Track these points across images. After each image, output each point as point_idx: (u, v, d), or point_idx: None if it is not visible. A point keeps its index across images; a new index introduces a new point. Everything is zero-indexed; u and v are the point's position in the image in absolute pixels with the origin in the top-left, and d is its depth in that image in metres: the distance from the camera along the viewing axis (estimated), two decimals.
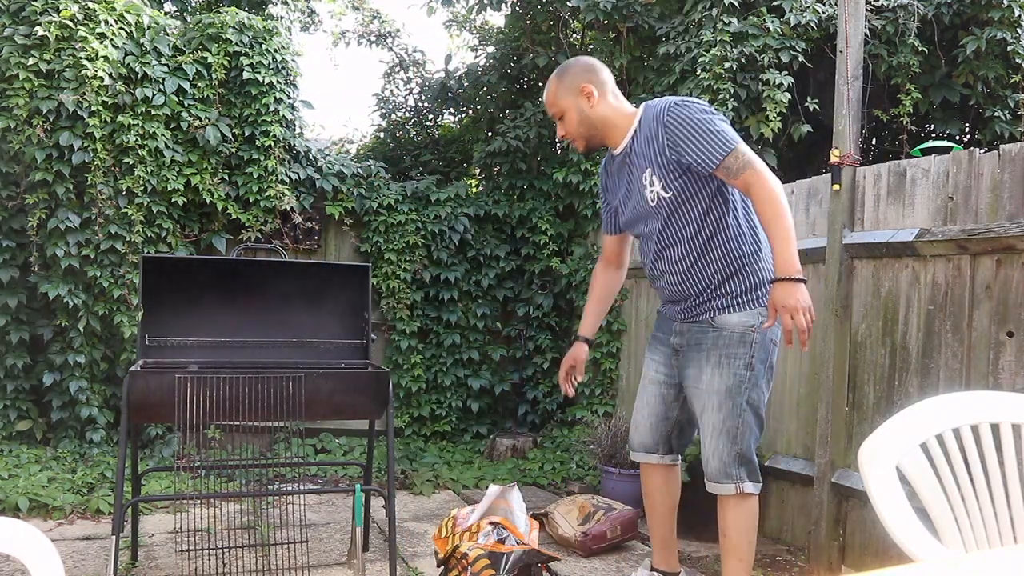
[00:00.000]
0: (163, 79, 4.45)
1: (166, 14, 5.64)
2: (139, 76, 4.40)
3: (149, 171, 4.40)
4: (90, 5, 4.28)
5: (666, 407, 2.55)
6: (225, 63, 4.61)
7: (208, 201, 4.59)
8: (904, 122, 4.36)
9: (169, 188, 4.45)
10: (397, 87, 6.56)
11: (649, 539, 2.82)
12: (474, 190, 5.83)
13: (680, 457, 2.67)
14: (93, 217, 4.31)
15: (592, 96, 2.35)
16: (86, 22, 4.25)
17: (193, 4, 6.40)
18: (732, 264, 2.33)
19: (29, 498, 3.54)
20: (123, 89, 4.34)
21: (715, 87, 4.26)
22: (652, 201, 2.32)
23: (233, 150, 4.65)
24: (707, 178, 2.28)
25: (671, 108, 2.25)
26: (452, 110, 6.56)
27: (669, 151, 2.25)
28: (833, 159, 3.04)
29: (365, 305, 3.09)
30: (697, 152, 2.20)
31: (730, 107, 4.25)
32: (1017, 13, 4.16)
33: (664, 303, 2.57)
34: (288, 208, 4.73)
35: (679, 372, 2.48)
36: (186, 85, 4.51)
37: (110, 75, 4.29)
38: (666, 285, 2.45)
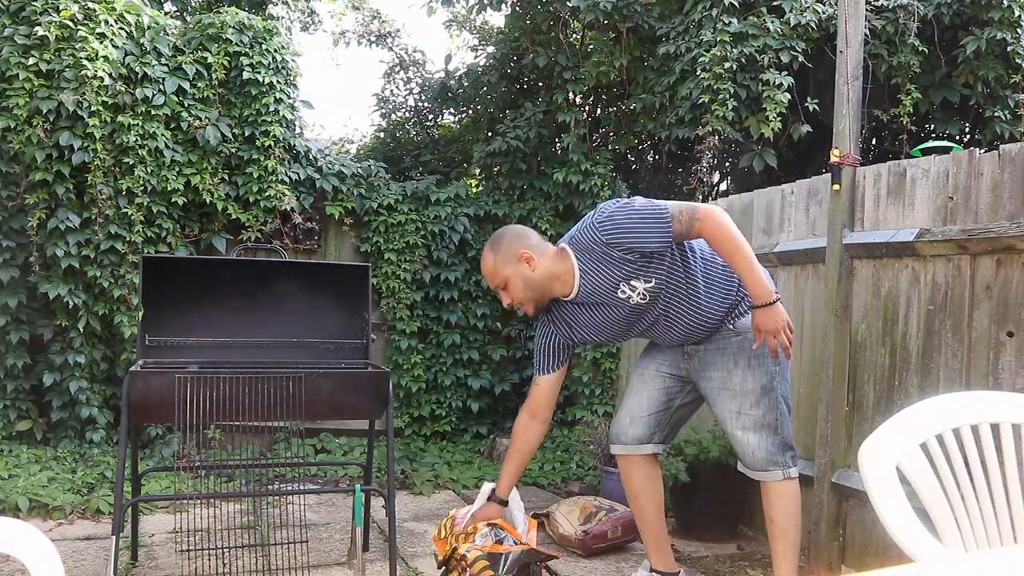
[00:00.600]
0: (163, 79, 4.45)
1: (166, 14, 5.64)
2: (139, 76, 4.40)
3: (149, 171, 4.40)
4: (90, 5, 4.28)
5: (668, 398, 2.64)
6: (225, 63, 4.61)
7: (208, 201, 4.59)
8: (904, 122, 4.36)
9: (169, 188, 4.45)
10: (397, 87, 6.56)
11: None
12: (474, 190, 5.83)
13: (663, 447, 2.73)
14: (93, 217, 4.31)
15: (531, 260, 2.40)
16: (86, 22, 4.25)
17: (193, 4, 6.40)
18: (730, 281, 2.46)
19: (29, 498, 3.54)
20: (123, 89, 4.34)
21: (715, 87, 4.26)
22: (643, 299, 2.39)
23: (233, 150, 4.65)
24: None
25: (600, 229, 2.31)
26: (452, 110, 6.56)
27: (629, 255, 2.31)
28: (833, 159, 3.04)
29: (365, 305, 3.09)
30: (651, 240, 2.29)
31: (730, 107, 4.26)
32: (1017, 13, 4.16)
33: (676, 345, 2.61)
34: (288, 208, 4.73)
35: (696, 374, 2.57)
36: (186, 85, 4.51)
37: (110, 75, 4.29)
38: (687, 335, 2.51)
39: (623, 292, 2.38)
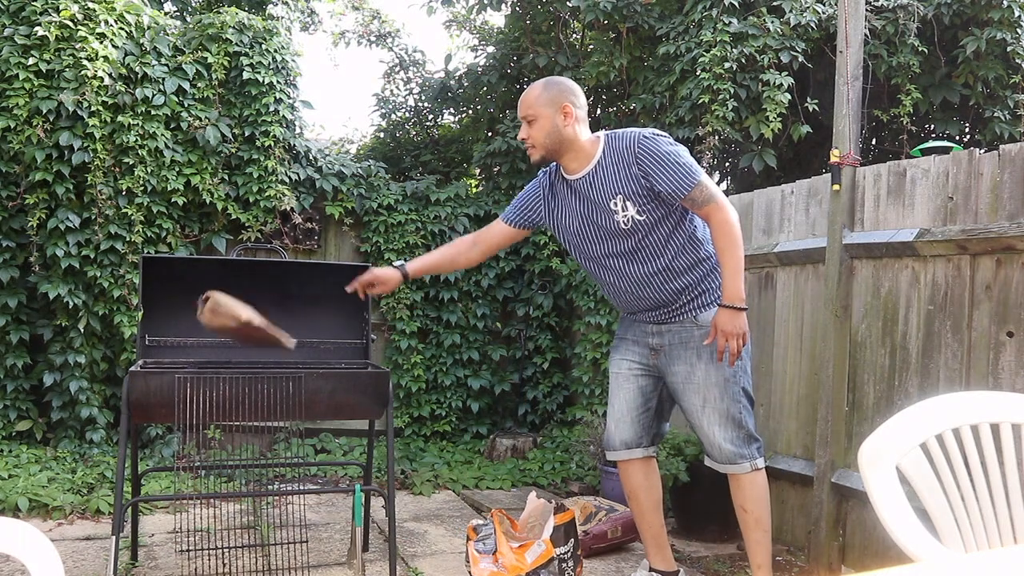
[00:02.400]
0: (163, 79, 4.45)
1: (166, 14, 5.65)
2: (139, 76, 4.40)
3: (149, 171, 4.40)
4: (90, 5, 4.28)
5: (645, 398, 2.68)
6: (225, 63, 4.61)
7: (208, 201, 4.58)
8: (904, 122, 4.36)
9: (169, 188, 4.45)
10: (397, 87, 6.56)
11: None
12: (474, 190, 5.83)
13: (656, 449, 2.77)
14: (93, 217, 4.31)
15: (570, 116, 2.47)
16: (86, 22, 4.25)
17: (193, 4, 6.40)
18: (705, 265, 2.52)
19: (29, 498, 3.54)
20: (123, 89, 4.34)
21: (715, 87, 4.26)
22: (626, 224, 2.44)
23: (233, 150, 4.65)
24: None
25: (642, 140, 2.41)
26: (452, 110, 6.56)
27: (643, 179, 2.39)
28: (833, 159, 3.04)
29: (365, 305, 3.09)
30: (668, 182, 2.37)
31: (730, 107, 4.25)
32: (1017, 13, 4.16)
33: (634, 312, 2.64)
34: (288, 208, 4.73)
35: (662, 369, 2.61)
36: (186, 85, 4.51)
37: (110, 75, 4.29)
38: (641, 296, 2.55)
39: (615, 204, 2.43)
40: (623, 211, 2.43)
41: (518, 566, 2.52)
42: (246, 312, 2.47)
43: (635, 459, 2.68)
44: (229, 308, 2.46)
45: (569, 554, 2.61)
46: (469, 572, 2.62)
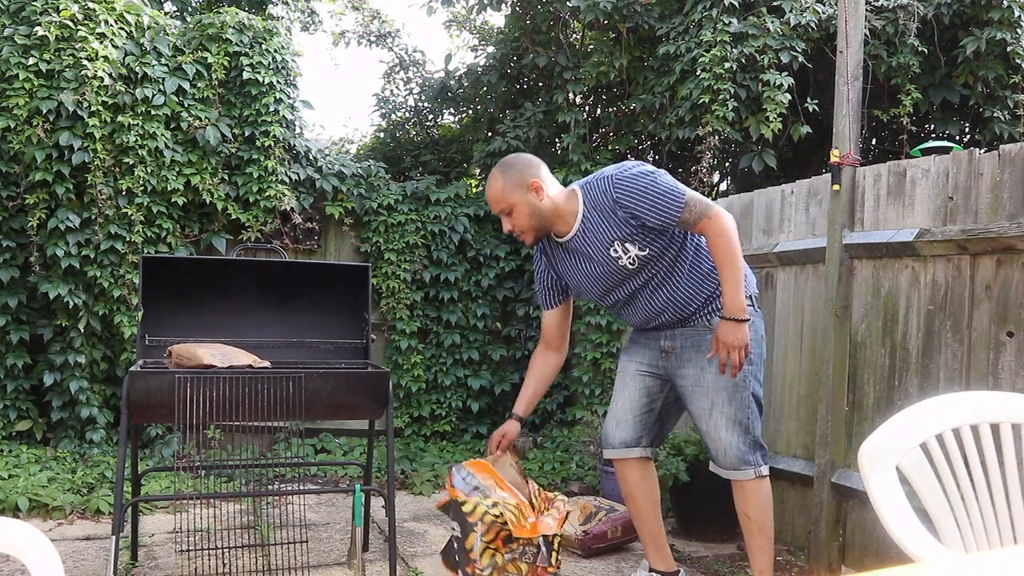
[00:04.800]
0: (163, 79, 4.45)
1: (166, 14, 5.64)
2: (139, 76, 4.40)
3: (149, 171, 4.40)
4: (90, 5, 4.28)
5: (650, 399, 2.66)
6: (225, 63, 4.61)
7: (208, 201, 4.58)
8: (904, 122, 4.36)
9: (169, 188, 4.45)
10: (397, 87, 6.55)
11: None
12: (474, 190, 5.83)
13: (655, 451, 2.76)
14: (93, 217, 4.31)
15: (541, 190, 2.42)
16: (86, 22, 4.25)
17: (193, 4, 6.40)
18: (714, 278, 2.48)
19: (29, 498, 3.54)
20: (123, 89, 4.34)
21: (715, 87, 4.26)
22: (633, 264, 2.43)
23: (233, 150, 4.65)
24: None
25: (616, 183, 2.36)
26: (452, 110, 6.56)
27: (631, 220, 2.36)
28: (833, 159, 3.04)
29: (365, 305, 3.09)
30: (656, 215, 2.34)
31: (730, 107, 4.26)
32: (1017, 13, 4.16)
33: (649, 329, 2.63)
34: (288, 208, 4.73)
35: (672, 371, 2.59)
36: (186, 85, 4.51)
37: (110, 75, 4.29)
38: (662, 321, 2.54)
39: (615, 251, 2.41)
40: (625, 254, 2.41)
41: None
42: (207, 356, 2.55)
43: (632, 458, 2.66)
44: (192, 355, 2.55)
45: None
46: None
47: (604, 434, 2.73)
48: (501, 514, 2.29)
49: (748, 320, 2.36)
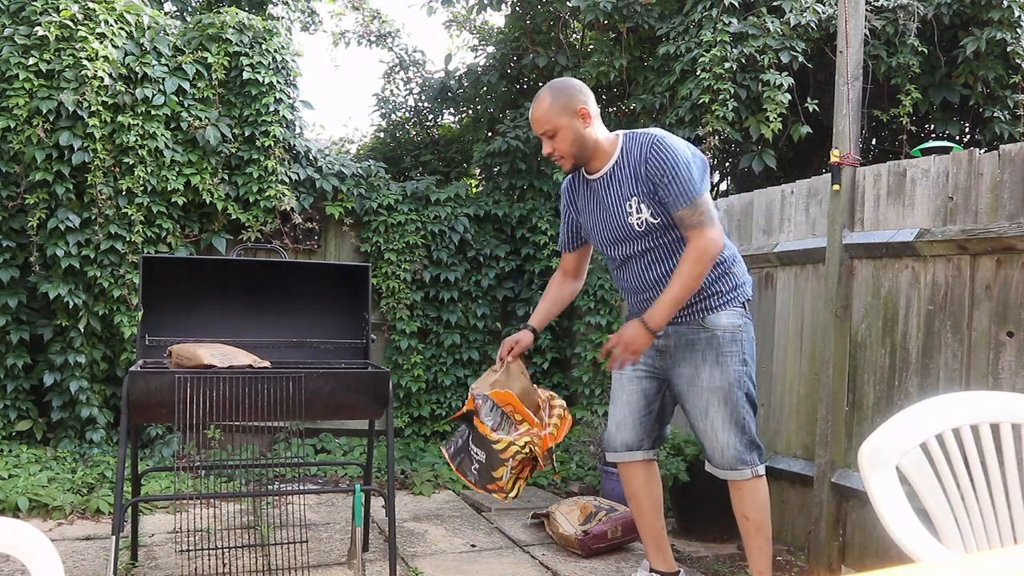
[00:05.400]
0: (163, 79, 4.45)
1: (166, 14, 5.64)
2: (139, 76, 4.40)
3: (149, 171, 4.40)
4: (90, 5, 4.28)
5: (648, 401, 2.66)
6: (225, 63, 4.61)
7: (208, 201, 4.58)
8: (904, 122, 4.36)
9: (169, 188, 4.45)
10: (397, 87, 6.55)
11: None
12: (474, 190, 5.83)
13: (656, 452, 2.77)
14: (93, 217, 4.31)
15: (588, 117, 2.42)
16: (86, 22, 4.25)
17: (193, 4, 6.40)
18: (718, 268, 2.49)
19: (29, 498, 3.53)
20: (123, 89, 4.34)
21: (715, 87, 4.26)
22: (640, 226, 2.44)
23: (233, 150, 4.65)
24: None
25: (654, 143, 2.38)
26: (452, 110, 6.56)
27: (649, 183, 2.39)
28: (833, 159, 3.04)
29: (365, 305, 3.09)
30: (667, 193, 2.37)
31: (730, 107, 4.26)
32: (1017, 13, 4.16)
33: (642, 312, 2.62)
34: (288, 208, 4.72)
35: (667, 371, 2.60)
36: (186, 85, 4.51)
37: (110, 75, 4.29)
38: (649, 297, 2.54)
39: (630, 207, 2.44)
40: (637, 213, 2.43)
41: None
42: (207, 356, 2.56)
43: (636, 461, 2.67)
44: (192, 355, 2.57)
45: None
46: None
47: (606, 437, 2.74)
48: (532, 451, 2.40)
49: (655, 333, 2.39)
